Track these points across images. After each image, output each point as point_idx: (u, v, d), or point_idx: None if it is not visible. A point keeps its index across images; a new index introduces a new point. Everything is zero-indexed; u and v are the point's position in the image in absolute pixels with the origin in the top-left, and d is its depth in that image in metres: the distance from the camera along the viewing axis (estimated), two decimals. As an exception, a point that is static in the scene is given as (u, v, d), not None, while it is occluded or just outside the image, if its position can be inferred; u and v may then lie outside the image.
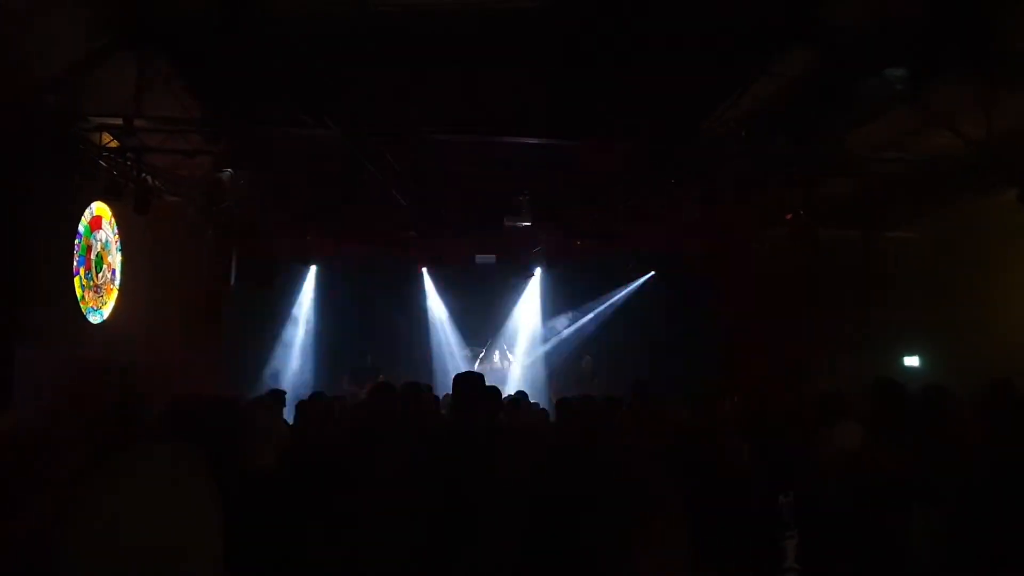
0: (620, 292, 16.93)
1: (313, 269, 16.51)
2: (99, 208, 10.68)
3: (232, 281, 13.50)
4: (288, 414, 6.61)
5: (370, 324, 16.38)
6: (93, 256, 10.54)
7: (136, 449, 1.40)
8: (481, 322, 17.08)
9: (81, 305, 10.21)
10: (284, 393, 7.92)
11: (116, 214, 10.98)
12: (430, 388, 7.27)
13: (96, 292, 10.64)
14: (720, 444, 3.87)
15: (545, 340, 17.34)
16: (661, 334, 16.15)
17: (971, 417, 4.09)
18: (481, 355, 16.32)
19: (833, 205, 11.49)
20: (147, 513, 1.29)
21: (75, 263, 10.05)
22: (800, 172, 10.71)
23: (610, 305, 16.99)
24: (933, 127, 9.42)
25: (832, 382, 9.60)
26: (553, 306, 17.38)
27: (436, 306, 17.37)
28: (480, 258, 15.75)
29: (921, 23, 5.96)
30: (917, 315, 11.80)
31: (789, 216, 11.87)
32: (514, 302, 17.50)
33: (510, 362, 16.46)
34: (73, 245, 10.01)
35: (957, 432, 3.67)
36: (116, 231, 11.15)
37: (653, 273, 16.39)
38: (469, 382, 4.24)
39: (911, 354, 12.59)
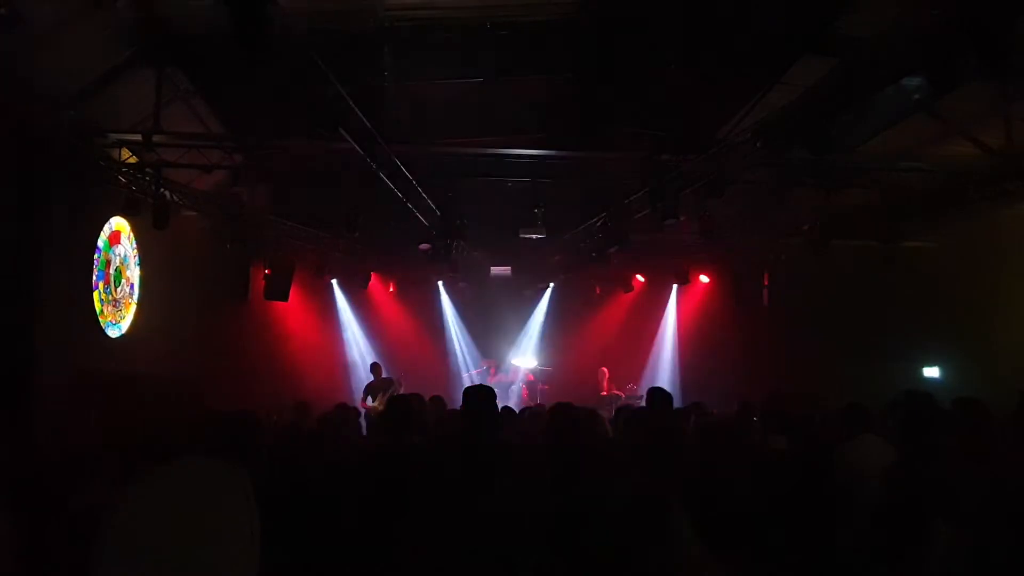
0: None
1: (334, 283, 16.56)
2: (118, 223, 10.78)
3: (249, 295, 13.56)
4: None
5: (387, 336, 16.47)
6: (112, 271, 10.62)
7: (171, 463, 1.40)
8: (496, 334, 17.06)
9: (100, 319, 10.29)
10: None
11: (135, 229, 11.07)
12: (442, 401, 7.28)
13: (115, 306, 10.71)
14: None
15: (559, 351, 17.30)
16: (678, 345, 16.10)
17: (1001, 429, 4.03)
18: (495, 367, 16.27)
19: (851, 215, 11.42)
20: (184, 526, 1.30)
21: (94, 277, 10.13)
22: (817, 182, 10.65)
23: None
24: (951, 137, 9.36)
25: (850, 393, 9.50)
26: (567, 318, 17.32)
27: (451, 318, 17.39)
28: (495, 270, 15.75)
29: (939, 32, 5.92)
30: (936, 326, 11.69)
31: (806, 227, 11.82)
32: (529, 314, 17.48)
33: (524, 374, 16.39)
34: (92, 260, 10.10)
35: (991, 447, 3.60)
36: (135, 246, 11.23)
37: (675, 286, 16.28)
38: (479, 395, 4.23)
39: (931, 365, 12.48)
